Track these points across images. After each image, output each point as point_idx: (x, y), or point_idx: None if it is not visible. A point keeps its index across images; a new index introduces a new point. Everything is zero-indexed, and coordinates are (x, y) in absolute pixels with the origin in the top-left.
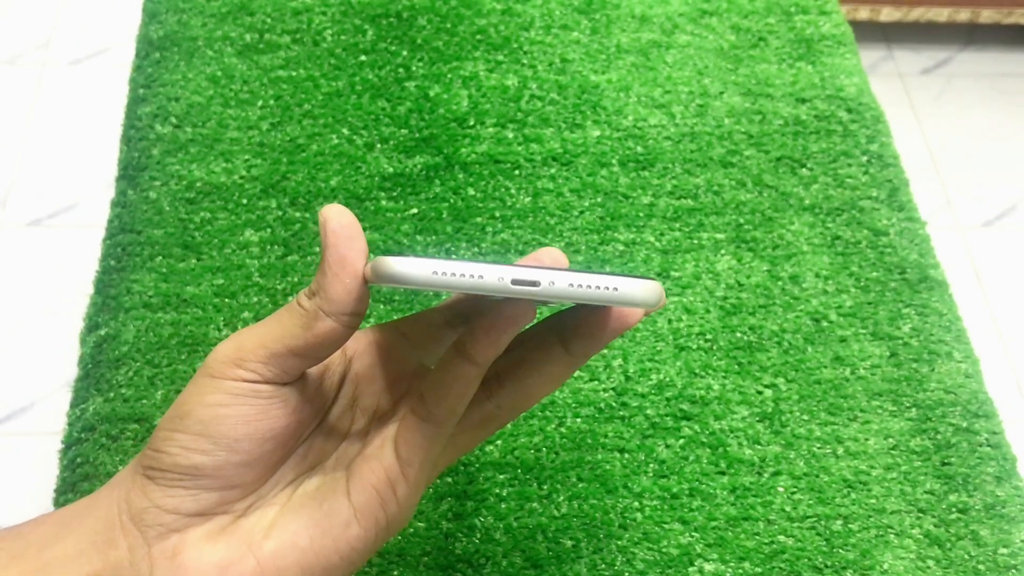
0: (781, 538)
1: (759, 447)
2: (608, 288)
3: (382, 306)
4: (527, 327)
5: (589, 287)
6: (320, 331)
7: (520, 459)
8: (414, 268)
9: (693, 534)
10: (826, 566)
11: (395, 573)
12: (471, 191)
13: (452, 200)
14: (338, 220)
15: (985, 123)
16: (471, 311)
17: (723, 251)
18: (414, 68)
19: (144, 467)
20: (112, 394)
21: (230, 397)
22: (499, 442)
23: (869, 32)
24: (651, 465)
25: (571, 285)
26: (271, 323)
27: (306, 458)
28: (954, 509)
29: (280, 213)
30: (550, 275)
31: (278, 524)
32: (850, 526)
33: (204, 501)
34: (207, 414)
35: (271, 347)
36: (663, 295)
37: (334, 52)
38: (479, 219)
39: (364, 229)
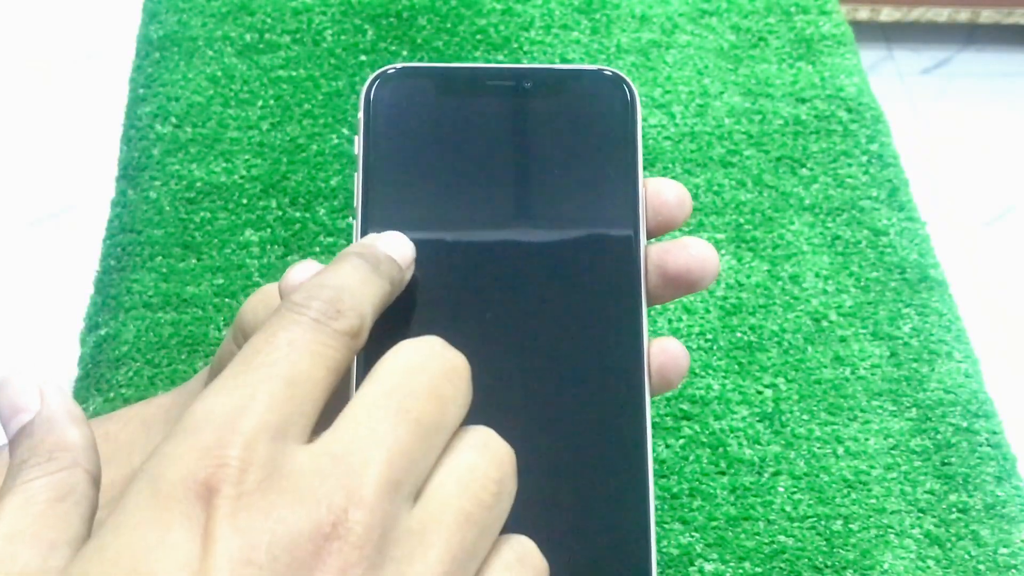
0: (781, 538)
1: (759, 447)
2: None
3: None
4: None
5: None
6: None
7: None
8: None
9: (693, 534)
10: (826, 566)
11: None
12: None
13: None
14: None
15: (985, 123)
16: None
17: (723, 251)
18: None
19: None
20: (112, 394)
21: None
22: None
23: (869, 32)
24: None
25: None
26: None
27: None
28: (954, 509)
29: (280, 213)
30: None
31: None
32: (850, 526)
33: None
34: None
35: None
36: None
37: (334, 52)
38: None
39: None
